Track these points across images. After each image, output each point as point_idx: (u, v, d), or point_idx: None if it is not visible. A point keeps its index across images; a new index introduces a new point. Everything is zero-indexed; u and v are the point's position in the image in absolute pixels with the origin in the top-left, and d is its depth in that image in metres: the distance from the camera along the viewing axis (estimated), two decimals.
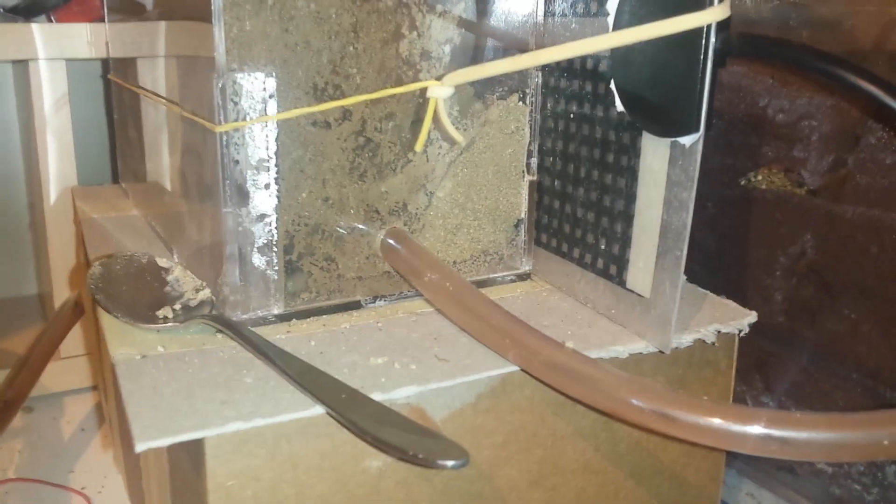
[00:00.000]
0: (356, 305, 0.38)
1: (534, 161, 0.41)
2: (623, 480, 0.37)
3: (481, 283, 0.41)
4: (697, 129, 0.31)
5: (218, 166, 0.34)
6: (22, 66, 0.63)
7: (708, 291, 0.41)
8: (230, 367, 0.32)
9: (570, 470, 0.36)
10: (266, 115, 0.34)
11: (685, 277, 0.40)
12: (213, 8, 0.32)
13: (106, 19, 0.59)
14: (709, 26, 0.30)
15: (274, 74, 0.33)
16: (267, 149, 0.34)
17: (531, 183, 0.41)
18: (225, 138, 0.33)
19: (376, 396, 0.29)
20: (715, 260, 0.50)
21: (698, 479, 0.40)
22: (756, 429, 0.26)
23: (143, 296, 0.36)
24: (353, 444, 0.30)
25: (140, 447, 0.26)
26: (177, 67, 0.41)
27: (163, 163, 0.47)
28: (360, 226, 0.37)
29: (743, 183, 0.49)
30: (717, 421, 0.27)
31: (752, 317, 0.38)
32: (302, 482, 0.29)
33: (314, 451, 0.29)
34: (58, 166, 0.62)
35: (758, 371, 0.49)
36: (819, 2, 0.44)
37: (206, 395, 0.29)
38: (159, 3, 0.43)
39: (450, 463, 0.25)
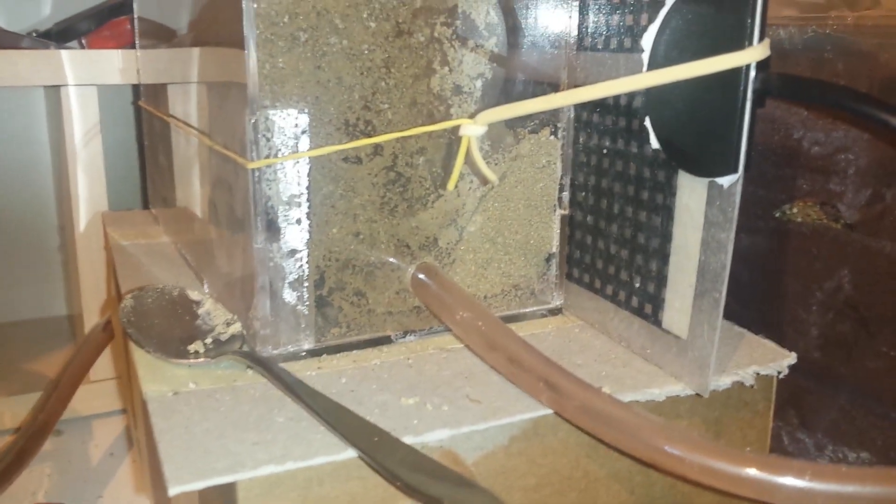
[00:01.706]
0: (386, 340, 0.38)
1: (565, 195, 0.41)
2: None
3: (512, 318, 0.41)
4: (736, 171, 0.30)
5: (250, 202, 0.34)
6: (54, 91, 0.64)
7: (745, 330, 0.40)
8: (262, 406, 0.31)
9: None
10: (298, 151, 0.34)
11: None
12: (246, 44, 0.32)
13: (137, 45, 0.60)
14: (748, 66, 0.29)
15: (306, 111, 0.33)
16: (298, 184, 0.34)
17: (563, 217, 0.41)
18: (257, 174, 0.33)
19: (408, 439, 0.29)
20: (748, 293, 0.50)
21: None
22: (800, 482, 0.25)
23: (174, 329, 0.36)
24: (385, 489, 0.29)
25: (173, 491, 0.25)
26: (208, 96, 0.41)
27: (192, 190, 0.47)
28: (391, 260, 0.37)
29: (777, 215, 0.48)
30: (753, 471, 0.26)
31: (792, 358, 0.37)
32: None
33: (345, 494, 0.29)
34: (88, 190, 0.63)
35: (793, 407, 0.48)
36: (855, 33, 0.43)
37: (238, 435, 0.29)
38: (191, 30, 0.44)
39: None
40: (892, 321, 0.42)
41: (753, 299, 0.50)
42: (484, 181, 0.38)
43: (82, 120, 0.62)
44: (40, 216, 0.78)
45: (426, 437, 0.30)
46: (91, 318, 0.63)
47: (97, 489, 0.55)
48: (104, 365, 0.63)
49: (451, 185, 0.36)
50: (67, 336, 0.76)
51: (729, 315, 0.41)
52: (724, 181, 0.31)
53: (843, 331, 0.45)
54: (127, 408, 0.63)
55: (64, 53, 0.60)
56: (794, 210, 0.48)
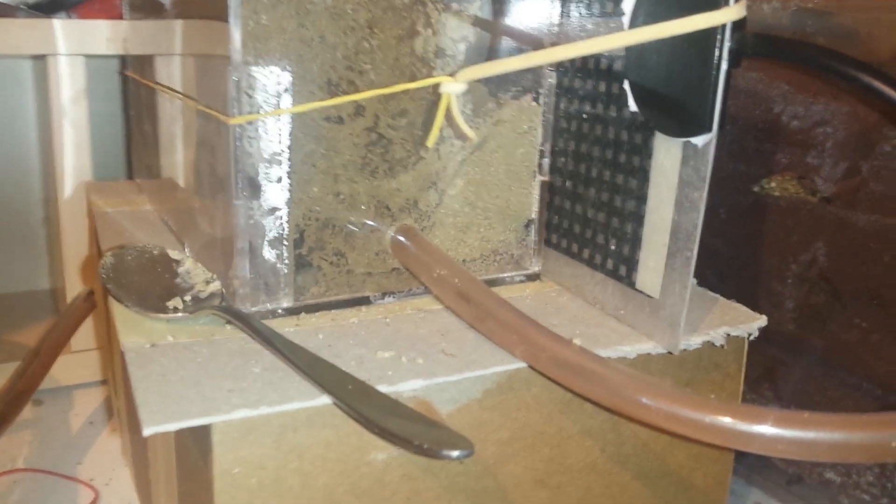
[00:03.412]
0: (365, 301, 0.38)
1: (546, 161, 0.41)
2: (629, 482, 0.37)
3: (490, 283, 0.41)
4: (710, 130, 0.31)
5: (231, 158, 0.34)
6: (41, 62, 0.64)
7: (718, 296, 0.41)
8: (238, 358, 0.32)
9: (576, 469, 0.36)
10: (280, 108, 0.34)
11: (695, 280, 0.40)
12: (229, 1, 0.32)
13: (126, 17, 0.60)
14: (723, 26, 0.30)
15: (289, 69, 0.34)
16: (280, 142, 0.34)
17: (542, 183, 0.41)
18: (238, 131, 0.34)
19: (383, 389, 0.30)
20: (726, 266, 0.50)
21: (705, 483, 0.40)
22: (763, 428, 0.26)
23: (153, 286, 0.37)
24: (359, 436, 0.30)
25: (147, 431, 0.26)
26: (193, 64, 0.41)
27: (177, 159, 0.47)
28: (371, 222, 0.38)
29: (756, 190, 0.48)
30: (724, 419, 0.27)
31: (762, 321, 0.37)
32: (307, 472, 0.29)
33: (319, 442, 0.29)
34: (74, 161, 0.63)
35: (767, 379, 0.49)
36: (837, 8, 0.44)
37: (214, 383, 0.29)
38: (178, 2, 0.44)
39: (455, 453, 0.25)
40: (864, 293, 0.43)
41: (731, 272, 0.50)
42: (464, 139, 0.38)
43: (70, 90, 0.62)
44: (25, 190, 0.78)
45: (400, 387, 0.30)
46: (74, 288, 0.63)
47: (77, 456, 0.55)
48: (86, 335, 0.63)
49: (430, 142, 0.36)
50: (50, 309, 0.76)
51: (706, 287, 0.42)
52: (699, 141, 0.31)
53: (817, 303, 0.46)
54: (108, 378, 0.63)
55: (55, 22, 0.60)
56: (773, 184, 0.48)
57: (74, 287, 0.63)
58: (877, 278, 0.42)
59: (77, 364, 0.64)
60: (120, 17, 0.64)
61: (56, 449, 0.56)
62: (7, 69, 0.74)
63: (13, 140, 0.76)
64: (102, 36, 0.61)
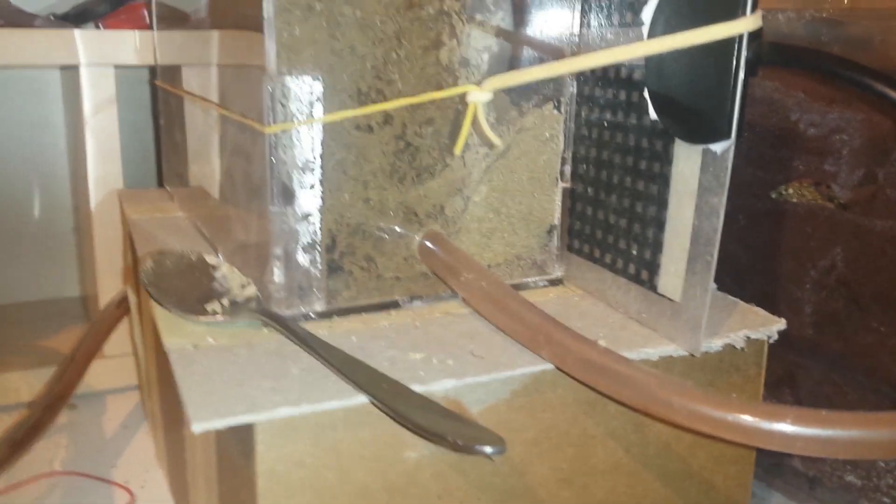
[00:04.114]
0: (394, 305, 0.40)
1: (567, 168, 0.42)
2: (652, 482, 0.38)
3: (514, 288, 0.42)
4: (729, 136, 0.32)
5: (266, 166, 0.35)
6: (71, 72, 0.66)
7: (738, 300, 0.42)
8: (277, 359, 0.33)
9: (601, 470, 0.37)
10: (312, 117, 0.35)
11: (715, 285, 0.41)
12: (264, 14, 0.33)
13: (154, 27, 0.62)
14: (741, 36, 0.31)
15: (320, 79, 0.35)
16: (312, 150, 0.36)
17: (564, 189, 0.42)
18: (273, 139, 0.35)
19: (415, 388, 0.31)
20: (745, 272, 0.51)
21: (726, 485, 0.41)
22: (783, 425, 0.27)
23: (192, 290, 0.38)
24: (393, 435, 0.31)
25: (197, 428, 0.27)
26: (225, 72, 0.43)
27: (207, 166, 0.49)
28: (399, 228, 0.39)
29: (774, 196, 0.49)
30: (745, 417, 0.28)
31: (782, 324, 0.38)
32: (344, 469, 0.30)
33: (356, 440, 0.30)
34: (104, 170, 0.64)
35: (786, 383, 0.49)
36: (850, 18, 0.45)
37: (256, 383, 0.31)
38: (210, 13, 0.45)
39: (488, 449, 0.26)
40: (882, 298, 0.43)
41: (750, 278, 0.51)
42: (490, 146, 0.39)
43: (99, 99, 0.63)
44: (55, 198, 0.80)
45: (432, 387, 0.31)
46: (106, 295, 0.64)
47: (111, 459, 0.56)
48: (118, 341, 0.65)
49: (457, 150, 0.37)
50: (81, 315, 0.77)
51: (725, 292, 0.43)
52: (718, 147, 0.33)
53: (836, 308, 0.46)
54: (140, 382, 0.65)
55: (83, 34, 0.61)
56: (790, 190, 0.49)
57: (106, 293, 0.64)
58: (894, 283, 0.43)
59: (110, 369, 0.66)
60: (147, 27, 0.66)
61: (91, 452, 0.57)
62: (35, 79, 0.76)
63: (42, 149, 0.78)
64: (130, 46, 0.63)
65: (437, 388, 0.31)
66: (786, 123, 0.49)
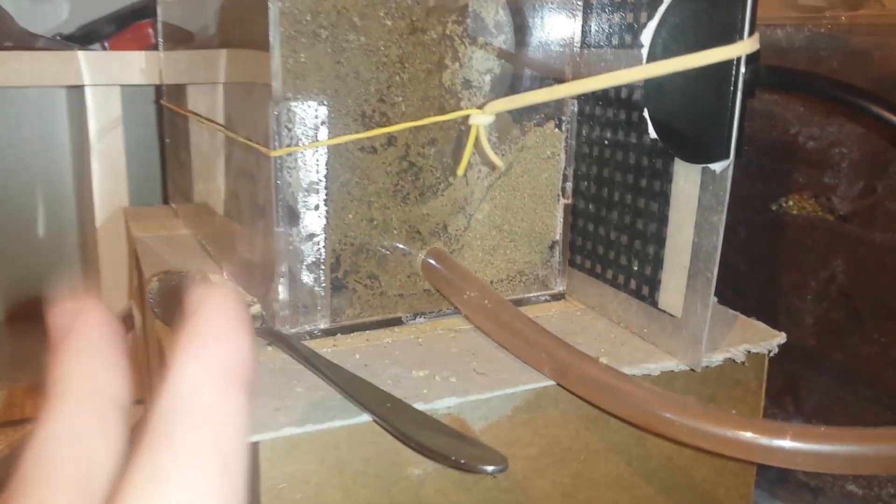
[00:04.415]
0: (397, 322, 0.40)
1: (569, 185, 0.43)
2: (654, 496, 0.39)
3: (517, 303, 0.43)
4: (728, 157, 0.32)
5: (271, 188, 0.36)
6: (76, 92, 0.67)
7: (739, 313, 0.42)
8: (282, 378, 0.33)
9: (603, 484, 0.37)
10: (317, 140, 0.36)
11: (716, 299, 0.42)
12: (270, 41, 0.34)
13: (161, 47, 0.62)
14: (738, 59, 0.31)
15: (325, 103, 0.36)
16: (317, 172, 0.36)
17: (566, 206, 0.43)
18: (279, 162, 0.35)
19: (419, 406, 0.31)
20: (746, 283, 0.52)
21: (728, 497, 0.41)
22: (783, 442, 0.27)
23: None
24: (396, 453, 0.31)
25: None
26: (231, 94, 0.44)
27: (211, 185, 0.49)
28: (403, 246, 0.39)
29: (774, 208, 0.50)
30: (746, 434, 0.28)
31: (782, 338, 0.39)
32: (348, 487, 0.31)
33: (360, 458, 0.31)
34: (110, 187, 0.65)
35: (789, 394, 0.50)
36: (849, 32, 0.45)
37: (261, 402, 0.31)
38: (215, 31, 0.46)
39: (490, 468, 0.27)
40: (883, 309, 0.44)
41: (751, 289, 0.51)
42: (492, 167, 0.40)
43: (105, 119, 0.64)
44: (60, 215, 0.80)
45: (435, 405, 0.32)
46: (111, 312, 0.65)
47: None
48: None
49: (460, 171, 0.38)
50: None
51: (727, 304, 0.43)
52: (717, 167, 0.33)
53: (837, 319, 0.47)
54: (144, 397, 0.65)
55: (89, 55, 0.62)
56: (790, 203, 0.50)
57: (112, 309, 0.65)
58: (894, 294, 0.43)
59: None
60: (153, 46, 0.66)
61: None
62: (41, 98, 0.77)
63: (48, 167, 0.79)
64: (136, 67, 0.64)
65: (440, 405, 0.32)
66: (785, 137, 0.49)
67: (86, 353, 0.18)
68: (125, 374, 0.19)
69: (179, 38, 0.56)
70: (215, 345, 0.17)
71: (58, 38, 0.70)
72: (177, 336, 0.18)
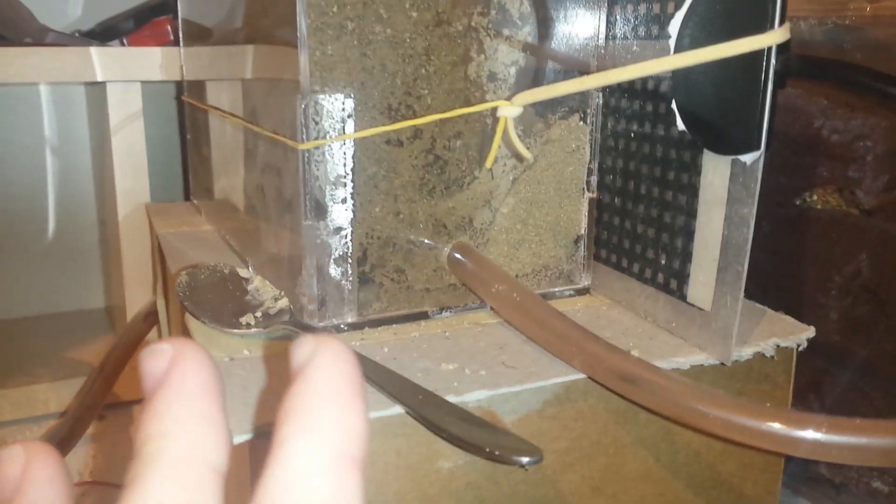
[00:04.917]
0: (424, 316, 0.40)
1: (594, 179, 0.43)
2: (682, 490, 0.38)
3: (542, 297, 0.43)
4: (759, 148, 0.32)
5: (299, 182, 0.36)
6: (97, 88, 0.67)
7: (766, 308, 0.42)
8: None
9: (631, 478, 0.37)
10: (344, 133, 0.36)
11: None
12: (298, 34, 0.34)
13: (181, 43, 0.63)
14: (770, 48, 0.31)
15: (352, 95, 0.36)
16: (344, 165, 0.36)
17: (591, 200, 0.43)
18: (306, 155, 0.35)
19: (450, 399, 0.31)
20: (770, 279, 0.51)
21: (755, 492, 0.41)
22: (814, 433, 0.27)
23: (226, 303, 0.39)
24: (428, 445, 0.31)
25: (238, 439, 0.28)
26: (255, 88, 0.44)
27: (234, 180, 0.49)
28: (428, 240, 0.39)
29: (798, 203, 0.49)
30: (777, 426, 0.28)
31: (811, 331, 0.38)
32: (379, 479, 0.31)
33: (391, 450, 0.31)
34: (131, 183, 0.65)
35: (812, 390, 0.49)
36: (872, 24, 0.45)
37: None
38: (240, 25, 0.46)
39: (525, 459, 0.27)
40: None
41: (775, 284, 0.51)
42: (520, 159, 0.40)
43: (126, 115, 0.64)
44: (80, 212, 0.81)
45: (466, 397, 0.32)
46: (134, 307, 0.65)
47: None
48: None
49: (488, 163, 0.38)
50: (106, 326, 0.78)
51: (751, 299, 0.43)
52: (747, 158, 0.33)
53: (861, 314, 0.46)
54: None
55: (106, 51, 0.62)
56: (815, 197, 0.49)
57: (134, 305, 0.65)
58: None
59: (138, 380, 0.66)
60: (171, 43, 0.67)
61: (120, 462, 0.58)
62: (60, 94, 0.78)
63: (67, 163, 0.79)
64: (155, 63, 0.64)
65: (470, 398, 0.32)
66: (809, 130, 0.49)
67: (182, 408, 0.16)
68: (225, 433, 0.16)
69: (200, 34, 0.56)
70: (329, 418, 0.15)
71: (76, 34, 0.70)
72: (282, 401, 0.15)
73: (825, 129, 0.48)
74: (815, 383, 0.49)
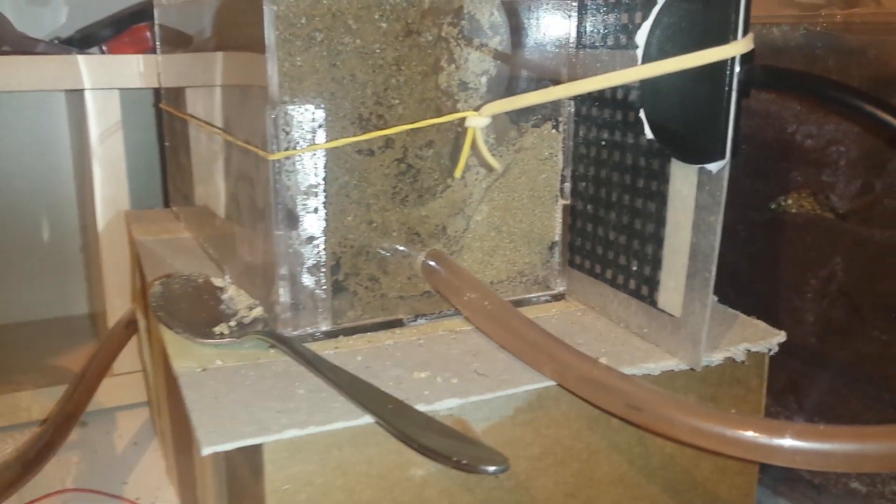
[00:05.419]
0: (399, 323, 0.40)
1: (567, 186, 0.43)
2: (657, 495, 0.39)
3: (517, 304, 0.43)
4: (723, 157, 0.33)
5: (270, 192, 0.36)
6: (76, 96, 0.67)
7: (739, 312, 0.42)
8: (284, 380, 0.34)
9: (605, 483, 0.37)
10: (315, 144, 0.36)
11: (716, 298, 0.42)
12: (266, 44, 0.34)
13: (158, 51, 0.63)
14: (732, 59, 0.32)
15: (322, 106, 0.36)
16: (315, 175, 0.37)
17: (564, 207, 0.43)
18: (277, 166, 0.36)
19: (420, 408, 0.31)
20: (746, 282, 0.52)
21: (731, 495, 0.41)
22: (783, 441, 0.28)
23: (200, 313, 0.39)
24: (399, 454, 0.32)
25: (206, 451, 0.28)
26: (228, 97, 0.44)
27: (212, 187, 0.50)
28: (402, 248, 0.40)
29: (773, 207, 0.50)
30: (746, 433, 0.28)
31: (781, 336, 0.39)
32: (351, 488, 0.31)
33: (362, 459, 0.31)
34: (111, 191, 0.65)
35: (791, 392, 0.50)
36: (845, 30, 0.46)
37: (264, 404, 0.31)
38: (212, 34, 0.46)
39: (491, 468, 0.27)
40: (883, 307, 0.44)
41: (751, 288, 0.52)
42: (489, 169, 0.40)
43: (105, 122, 0.64)
44: (62, 219, 0.81)
45: (437, 406, 0.32)
46: (115, 314, 0.65)
47: (122, 475, 0.57)
48: (127, 359, 0.66)
49: (457, 173, 0.38)
50: (89, 333, 0.78)
51: (727, 303, 0.43)
52: (713, 167, 0.33)
53: (838, 317, 0.47)
54: (150, 399, 0.66)
55: (88, 59, 0.62)
56: (789, 201, 0.50)
57: (115, 312, 0.65)
58: (894, 292, 0.43)
59: (119, 386, 0.66)
60: (151, 49, 0.67)
61: (102, 469, 0.58)
62: (40, 101, 0.78)
63: (49, 170, 0.79)
64: (134, 70, 0.64)
65: (441, 406, 0.32)
66: (783, 135, 0.49)
67: None
68: None
69: (177, 42, 0.56)
70: None
71: (56, 41, 0.70)
72: None
73: (799, 134, 0.48)
74: (794, 385, 0.50)
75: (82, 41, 0.69)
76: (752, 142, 0.50)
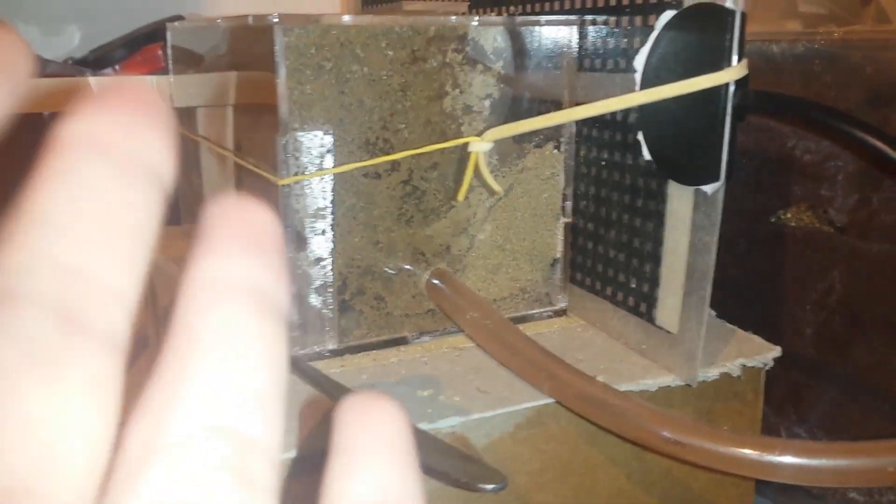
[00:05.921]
0: (403, 341, 0.41)
1: (568, 204, 0.44)
2: None
3: (520, 320, 0.44)
4: (719, 179, 0.34)
5: (279, 215, 0.37)
6: None
7: (736, 328, 0.43)
8: (290, 399, 0.35)
9: (604, 497, 0.38)
10: (323, 168, 0.37)
11: (713, 313, 0.43)
12: (278, 73, 0.36)
13: (171, 71, 0.64)
14: (727, 85, 0.33)
15: (331, 132, 0.37)
16: (324, 199, 0.38)
17: (566, 225, 0.44)
18: (287, 190, 0.37)
19: (423, 426, 0.32)
20: (747, 295, 0.53)
21: None
22: (772, 457, 0.29)
23: None
24: None
25: None
26: (240, 121, 0.45)
27: None
28: (408, 267, 0.41)
29: (773, 220, 0.51)
30: (741, 450, 0.29)
31: (777, 351, 0.40)
32: None
33: None
34: None
35: (791, 403, 0.51)
36: (842, 47, 0.46)
37: None
38: (225, 59, 0.48)
39: (489, 487, 0.28)
40: (882, 318, 0.45)
41: (752, 300, 0.52)
42: (491, 192, 0.41)
43: None
44: None
45: (439, 424, 0.33)
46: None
47: None
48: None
49: (460, 197, 0.39)
50: None
51: (728, 315, 0.44)
52: (709, 189, 0.34)
53: (837, 329, 0.47)
54: None
55: (100, 80, 0.64)
56: (789, 215, 0.50)
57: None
58: (892, 304, 0.44)
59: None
60: (164, 69, 0.68)
61: None
62: None
63: None
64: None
65: (443, 424, 0.33)
66: (782, 150, 0.50)
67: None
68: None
69: (189, 63, 0.58)
70: (243, 257, 0.12)
71: (69, 62, 0.72)
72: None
73: (798, 148, 0.49)
74: (794, 397, 0.50)
75: (96, 62, 0.71)
76: (751, 156, 0.51)
